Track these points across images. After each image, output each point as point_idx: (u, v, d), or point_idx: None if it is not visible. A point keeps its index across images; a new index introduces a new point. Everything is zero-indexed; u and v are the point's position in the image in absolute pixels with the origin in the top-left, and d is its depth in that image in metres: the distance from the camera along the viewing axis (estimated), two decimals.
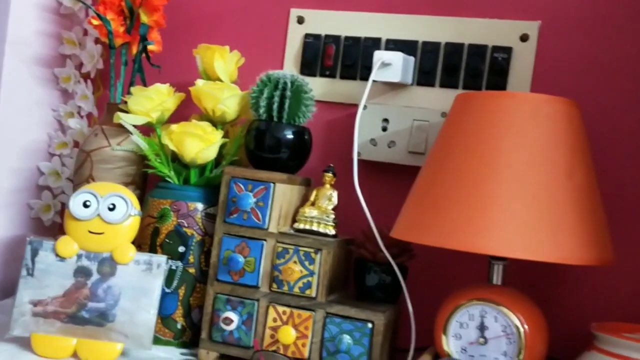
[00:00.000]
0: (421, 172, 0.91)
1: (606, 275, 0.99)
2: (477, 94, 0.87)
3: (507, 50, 1.03)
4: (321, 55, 1.12)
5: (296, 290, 0.93)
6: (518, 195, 0.80)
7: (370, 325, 0.90)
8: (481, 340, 0.85)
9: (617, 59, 0.99)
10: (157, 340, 0.99)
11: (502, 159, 0.82)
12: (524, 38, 1.03)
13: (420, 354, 0.90)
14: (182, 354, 0.98)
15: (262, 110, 0.98)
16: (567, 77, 1.01)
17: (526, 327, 0.83)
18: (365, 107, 1.08)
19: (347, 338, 0.90)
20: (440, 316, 0.87)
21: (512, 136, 0.82)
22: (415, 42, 1.08)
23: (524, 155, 0.81)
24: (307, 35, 1.13)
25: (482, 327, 0.85)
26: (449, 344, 0.87)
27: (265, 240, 0.95)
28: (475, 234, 0.80)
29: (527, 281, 1.02)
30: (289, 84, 0.98)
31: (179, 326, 1.00)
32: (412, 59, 1.07)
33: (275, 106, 0.97)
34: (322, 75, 1.13)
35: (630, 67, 0.99)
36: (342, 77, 1.12)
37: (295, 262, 0.93)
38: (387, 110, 1.07)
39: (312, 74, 1.13)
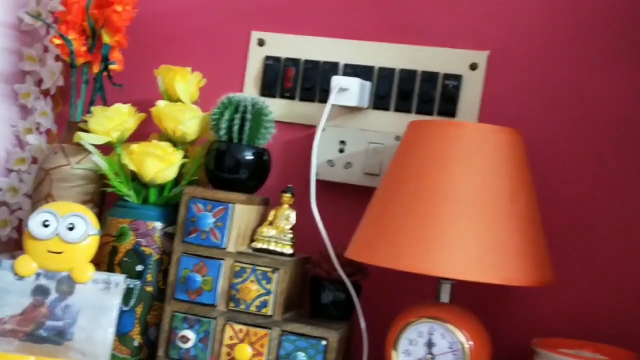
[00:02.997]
0: (375, 194, 0.95)
1: (547, 294, 1.04)
2: (429, 122, 0.92)
3: (457, 78, 1.08)
4: (281, 78, 1.16)
5: (253, 308, 0.96)
6: (465, 220, 0.85)
7: (324, 342, 0.93)
8: (429, 356, 0.89)
9: (561, 89, 1.05)
10: (114, 358, 1.00)
11: (450, 185, 0.86)
12: (473, 67, 1.08)
13: None
14: None
15: (222, 132, 1.01)
16: (513, 105, 1.07)
17: (471, 343, 0.87)
18: (323, 129, 1.12)
19: (301, 355, 0.93)
20: (391, 333, 0.91)
21: (459, 164, 0.87)
22: (371, 68, 1.12)
23: (471, 182, 0.86)
24: (267, 58, 1.16)
25: (430, 344, 0.89)
26: None
27: (223, 259, 0.97)
28: (424, 256, 0.85)
29: (474, 299, 1.06)
30: (249, 107, 1.01)
31: (135, 344, 1.01)
32: (368, 83, 1.11)
33: (235, 128, 1.00)
34: (282, 96, 1.16)
35: (572, 96, 1.04)
36: (302, 99, 1.15)
37: (252, 281, 0.96)
38: (344, 133, 1.11)
39: (272, 95, 1.16)
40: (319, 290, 1.01)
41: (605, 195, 1.03)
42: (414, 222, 0.86)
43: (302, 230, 1.08)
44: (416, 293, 1.08)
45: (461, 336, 0.88)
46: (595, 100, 1.04)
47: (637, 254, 1.01)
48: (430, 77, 1.09)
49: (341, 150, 1.11)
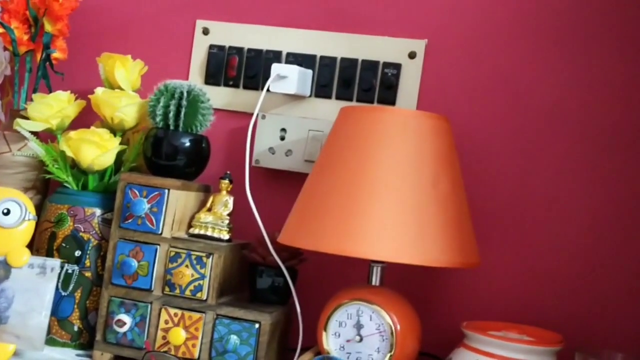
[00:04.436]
0: (307, 180, 0.96)
1: (477, 277, 1.06)
2: (356, 108, 0.93)
3: (397, 67, 1.09)
4: (225, 66, 1.17)
5: (187, 293, 0.97)
6: (389, 204, 0.86)
7: (257, 325, 0.95)
8: (357, 337, 0.90)
9: (496, 78, 1.07)
10: (54, 342, 1.01)
11: (376, 170, 0.88)
12: (411, 55, 1.09)
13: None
14: (78, 355, 1.01)
15: (158, 119, 1.02)
16: (450, 93, 1.08)
17: (398, 325, 0.89)
18: (264, 116, 1.13)
19: (234, 338, 0.95)
20: (323, 315, 0.93)
21: (383, 148, 0.88)
22: (313, 56, 1.13)
23: (394, 166, 0.87)
24: (211, 46, 1.17)
25: (358, 326, 0.90)
26: (329, 342, 0.92)
27: (158, 244, 0.98)
28: (351, 239, 0.86)
29: (406, 282, 1.08)
30: (185, 94, 1.02)
31: (75, 328, 1.02)
32: (309, 72, 1.12)
33: (171, 115, 1.01)
34: (226, 85, 1.17)
35: (507, 85, 1.06)
36: (245, 87, 1.16)
37: (187, 266, 0.97)
38: (285, 121, 1.12)
39: (216, 83, 1.17)
40: (256, 276, 1.02)
41: (534, 182, 1.05)
42: (341, 207, 0.88)
43: (243, 216, 1.09)
44: (352, 277, 1.10)
45: (388, 318, 0.89)
46: (528, 89, 1.05)
47: (562, 237, 1.03)
48: (370, 66, 1.10)
49: (282, 138, 1.12)
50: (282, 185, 1.14)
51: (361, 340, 0.90)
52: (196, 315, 0.96)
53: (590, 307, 1.02)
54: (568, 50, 1.04)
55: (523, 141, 1.05)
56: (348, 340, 0.91)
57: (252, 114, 1.16)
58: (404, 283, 1.07)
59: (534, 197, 1.05)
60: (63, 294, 1.01)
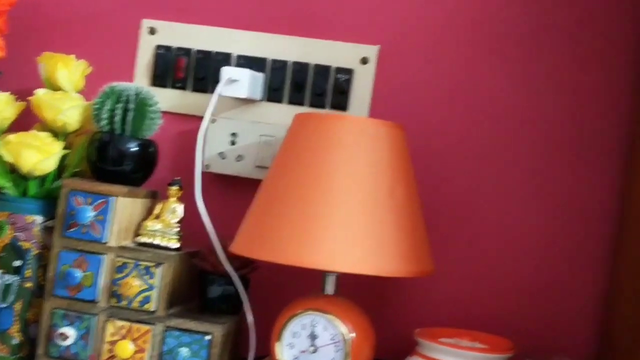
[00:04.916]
0: (260, 188, 0.94)
1: (431, 284, 1.07)
2: (312, 115, 0.92)
3: (349, 72, 1.08)
4: (172, 68, 1.13)
5: (135, 304, 0.93)
6: (346, 213, 0.85)
7: (208, 337, 0.92)
8: (311, 348, 0.89)
9: (448, 85, 1.07)
10: None
11: (332, 179, 0.86)
12: (364, 61, 1.09)
13: None
14: None
15: (104, 122, 0.98)
16: (402, 99, 1.08)
17: (353, 334, 0.88)
18: (214, 120, 1.10)
19: (184, 351, 0.92)
20: (276, 326, 0.91)
21: (340, 157, 0.87)
22: (264, 60, 1.11)
23: (351, 175, 0.86)
24: (158, 47, 1.14)
25: (313, 336, 0.89)
26: (283, 353, 0.90)
27: (104, 254, 0.94)
28: (306, 249, 0.84)
29: (360, 290, 1.07)
30: (132, 97, 0.98)
31: (15, 341, 0.97)
32: (261, 75, 1.10)
33: (117, 118, 0.97)
34: (174, 87, 1.13)
35: (459, 92, 1.07)
36: (194, 89, 1.13)
37: (134, 276, 0.93)
38: (235, 125, 1.10)
39: (163, 85, 1.13)
40: (207, 285, 1.00)
41: (486, 190, 1.06)
42: (296, 216, 0.86)
43: (193, 224, 1.07)
44: (305, 286, 1.09)
45: (343, 328, 0.88)
46: (479, 97, 1.06)
47: (515, 246, 1.05)
48: (322, 70, 1.09)
49: (233, 143, 1.10)
50: (232, 191, 1.12)
51: (315, 350, 0.89)
52: (144, 327, 0.93)
53: (540, 313, 1.04)
54: (518, 57, 1.05)
55: (475, 149, 1.06)
56: (302, 351, 0.89)
57: (200, 117, 1.13)
58: (357, 291, 1.07)
59: (486, 205, 1.06)
60: (2, 305, 0.96)
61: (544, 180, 1.05)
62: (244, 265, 1.01)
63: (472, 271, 1.06)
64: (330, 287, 0.94)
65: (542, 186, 1.05)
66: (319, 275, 1.06)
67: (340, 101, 1.09)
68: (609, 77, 1.03)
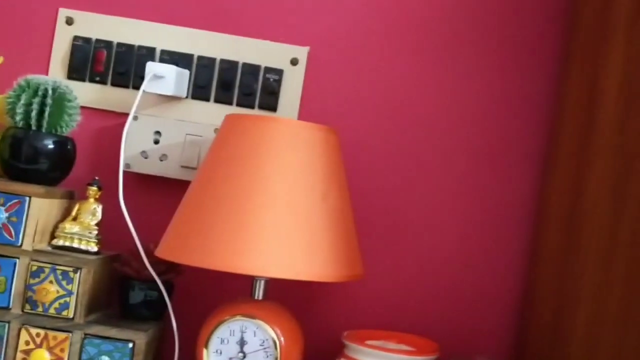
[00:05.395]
0: (188, 190, 0.91)
1: (361, 287, 1.08)
2: (244, 116, 0.90)
3: (279, 72, 1.07)
4: (91, 60, 1.07)
5: (52, 311, 0.88)
6: (277, 218, 0.84)
7: (130, 345, 0.88)
8: (240, 355, 0.87)
9: (377, 88, 1.08)
10: None
11: (264, 182, 0.85)
12: (294, 62, 1.07)
13: None
14: None
15: (19, 117, 0.91)
16: (331, 102, 1.08)
17: (282, 339, 0.87)
18: (136, 117, 1.06)
19: (105, 359, 0.88)
20: (203, 332, 0.88)
21: (273, 160, 0.86)
22: (190, 56, 1.08)
23: (284, 179, 0.85)
24: (76, 38, 1.07)
25: (242, 342, 0.87)
26: (210, 359, 0.88)
27: (18, 258, 0.88)
28: (236, 254, 0.82)
29: (288, 294, 1.07)
30: (50, 91, 0.92)
31: None
32: (186, 72, 1.07)
33: (34, 114, 0.91)
34: (92, 80, 1.08)
35: (388, 96, 1.08)
36: (114, 84, 1.08)
37: (51, 281, 0.88)
38: (159, 123, 1.06)
39: (80, 78, 1.08)
40: (128, 290, 0.96)
41: (414, 194, 1.08)
42: (226, 220, 0.84)
43: (112, 226, 1.02)
44: (232, 290, 1.07)
45: (273, 333, 0.87)
46: (407, 101, 1.08)
47: (440, 250, 1.08)
48: (251, 70, 1.07)
49: (156, 142, 1.06)
50: (157, 192, 1.08)
51: (244, 357, 0.87)
52: (62, 335, 0.88)
53: (464, 315, 1.07)
54: (444, 61, 1.08)
55: (403, 153, 1.08)
56: (231, 358, 0.87)
57: (120, 113, 1.08)
58: (286, 295, 1.06)
59: (413, 209, 1.08)
60: None
61: (468, 185, 1.08)
62: (168, 269, 0.97)
63: (399, 274, 1.07)
64: (259, 292, 0.92)
65: (466, 191, 1.08)
66: (246, 280, 1.04)
67: (270, 102, 1.07)
68: (530, 82, 1.07)
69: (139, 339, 0.89)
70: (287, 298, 1.06)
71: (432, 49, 1.08)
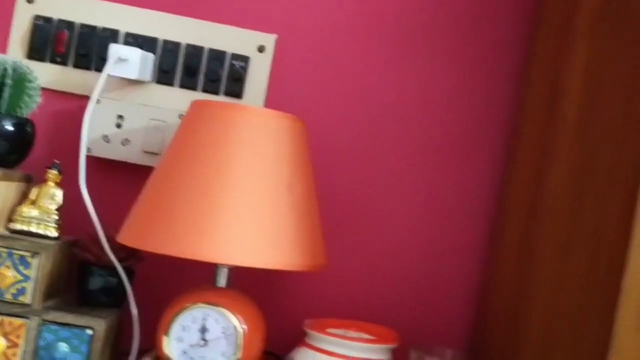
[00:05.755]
0: (152, 176, 0.90)
1: (324, 276, 1.08)
2: (211, 103, 0.89)
3: (245, 59, 1.06)
4: (52, 41, 1.05)
5: (8, 296, 0.86)
6: (242, 206, 0.83)
7: (89, 331, 0.87)
8: (202, 342, 0.87)
9: (344, 79, 1.08)
10: None
11: (229, 170, 0.84)
12: (261, 49, 1.07)
13: (144, 357, 0.89)
14: None
15: None
16: (298, 91, 1.08)
17: (244, 327, 0.87)
18: (99, 101, 1.04)
19: (63, 346, 0.86)
20: (164, 319, 0.88)
21: (240, 148, 0.85)
22: (155, 40, 1.06)
23: (250, 168, 0.85)
24: (37, 17, 1.04)
25: (203, 329, 0.87)
26: (171, 347, 0.87)
27: None
28: (200, 242, 0.82)
29: (251, 282, 1.06)
30: (9, 71, 0.89)
31: None
32: (151, 56, 1.05)
33: None
34: (53, 61, 1.05)
35: (354, 87, 1.08)
36: (76, 66, 1.05)
37: (8, 266, 0.86)
38: (122, 107, 1.04)
39: (40, 59, 1.05)
40: (88, 276, 0.94)
41: (379, 185, 1.09)
42: (190, 207, 0.83)
43: (72, 211, 1.00)
44: (195, 278, 1.06)
45: (235, 320, 0.87)
46: (373, 91, 1.09)
47: (401, 240, 1.09)
48: (217, 56, 1.06)
49: (119, 126, 1.04)
50: (118, 177, 1.06)
51: (206, 344, 0.87)
52: (18, 321, 0.86)
53: (424, 305, 1.09)
54: (410, 56, 1.09)
55: (368, 143, 1.08)
56: (192, 345, 0.87)
57: (81, 96, 1.06)
58: (249, 283, 1.06)
59: (376, 199, 1.08)
60: None
61: (431, 177, 1.09)
62: (129, 256, 0.96)
63: (362, 264, 1.08)
64: (222, 280, 0.92)
65: (429, 183, 1.09)
66: (208, 267, 1.04)
67: (235, 89, 1.06)
68: (495, 77, 1.09)
69: (97, 325, 0.87)
70: (250, 286, 1.06)
71: (400, 40, 1.08)
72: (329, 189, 1.08)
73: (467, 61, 1.09)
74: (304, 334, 0.95)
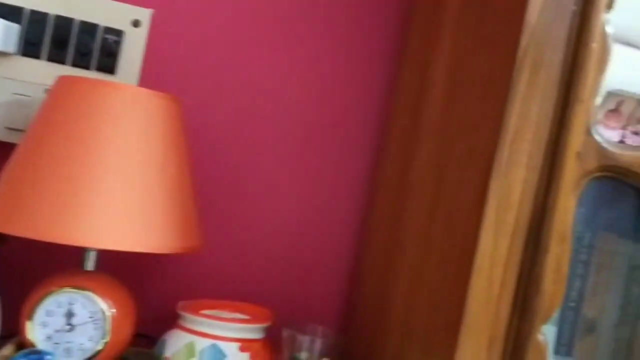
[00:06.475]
0: (14, 154, 0.85)
1: (198, 258, 1.08)
2: (80, 79, 0.85)
3: (119, 34, 1.02)
4: None
5: None
6: (112, 187, 0.81)
7: None
8: (67, 327, 0.84)
9: (221, 58, 1.07)
10: None
11: (98, 149, 0.82)
12: (136, 24, 1.03)
13: (6, 343, 0.86)
14: None
15: None
16: (174, 68, 1.06)
17: (113, 310, 0.86)
18: None
19: None
20: (28, 304, 0.84)
21: (110, 127, 0.82)
22: (20, 9, 1.00)
23: (120, 147, 0.82)
24: None
25: (69, 314, 0.85)
26: (35, 332, 0.84)
27: None
28: (66, 225, 0.79)
29: (123, 266, 1.04)
30: None
31: None
32: (16, 26, 0.99)
33: None
34: None
35: (231, 66, 1.07)
36: None
37: None
38: None
39: None
40: None
41: (255, 167, 1.09)
42: (55, 188, 0.80)
43: None
44: (62, 261, 1.02)
45: (103, 304, 0.85)
46: (252, 74, 1.08)
47: (276, 221, 1.10)
48: (89, 29, 1.01)
49: None
50: None
51: (72, 329, 0.84)
52: None
53: (298, 285, 1.11)
54: (290, 38, 1.09)
55: (245, 124, 1.08)
56: (57, 330, 0.84)
57: None
58: (120, 266, 1.03)
59: (252, 180, 1.09)
60: None
61: (306, 158, 1.11)
62: None
63: (237, 245, 1.09)
64: (90, 264, 0.89)
65: (304, 164, 1.11)
66: (76, 251, 1.01)
67: (108, 64, 1.02)
68: (371, 63, 1.12)
69: None
70: (121, 269, 1.04)
71: (278, 22, 1.08)
72: (205, 170, 1.07)
73: (346, 47, 1.11)
74: (176, 317, 0.95)
